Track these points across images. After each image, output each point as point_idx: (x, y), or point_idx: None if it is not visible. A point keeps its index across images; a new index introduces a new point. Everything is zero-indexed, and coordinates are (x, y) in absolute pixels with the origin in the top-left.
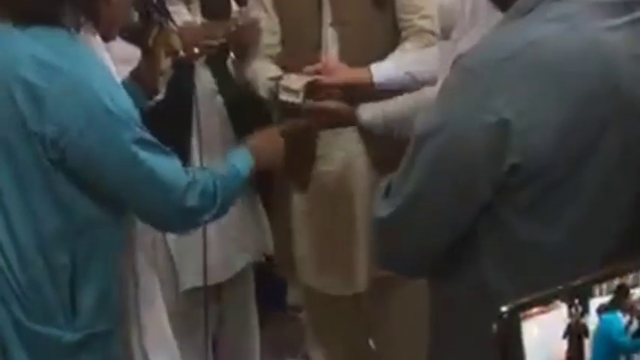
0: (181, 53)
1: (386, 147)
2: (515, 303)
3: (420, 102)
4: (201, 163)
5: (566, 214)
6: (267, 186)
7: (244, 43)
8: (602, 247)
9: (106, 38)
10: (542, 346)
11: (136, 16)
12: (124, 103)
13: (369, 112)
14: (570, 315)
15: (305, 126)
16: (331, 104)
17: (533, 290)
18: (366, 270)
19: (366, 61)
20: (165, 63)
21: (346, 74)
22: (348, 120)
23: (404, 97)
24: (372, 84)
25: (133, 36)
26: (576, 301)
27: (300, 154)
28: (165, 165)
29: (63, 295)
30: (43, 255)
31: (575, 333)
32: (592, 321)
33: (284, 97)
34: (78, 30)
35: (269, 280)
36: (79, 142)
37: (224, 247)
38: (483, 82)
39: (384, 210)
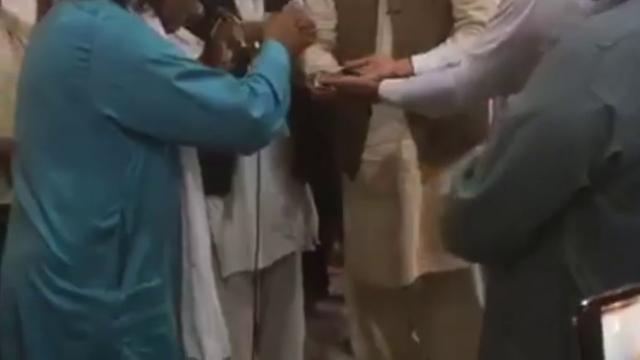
0: (243, 45)
1: (434, 137)
2: (596, 296)
3: (442, 85)
4: (259, 160)
5: None
6: (317, 175)
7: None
8: None
9: (169, 27)
10: (623, 342)
11: (200, 8)
12: (164, 47)
13: (389, 88)
14: None
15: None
16: (352, 78)
17: (617, 281)
18: (414, 263)
19: (420, 50)
20: (227, 55)
21: (385, 69)
22: (369, 95)
23: (427, 77)
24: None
25: (196, 27)
26: None
27: (350, 142)
28: (218, 87)
29: (111, 256)
30: (91, 217)
31: None
32: None
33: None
34: (138, 11)
35: (314, 269)
36: (126, 95)
37: (268, 234)
38: (585, 68)
39: (469, 191)
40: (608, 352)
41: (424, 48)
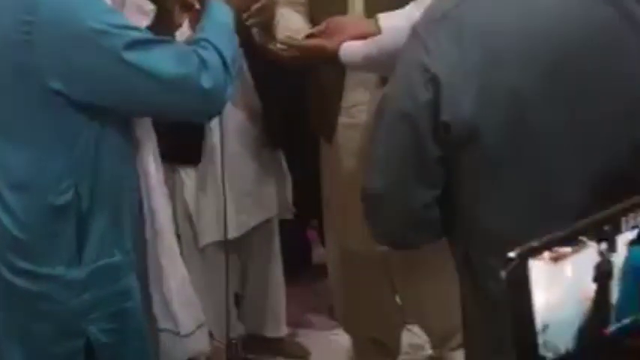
0: (197, 7)
1: None
2: (524, 247)
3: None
4: (221, 128)
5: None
6: (291, 142)
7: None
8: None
9: None
10: (575, 286)
11: None
12: (109, 16)
13: (349, 50)
14: (599, 254)
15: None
16: (310, 42)
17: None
18: None
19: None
20: (181, 19)
21: (351, 32)
22: (330, 57)
23: (386, 39)
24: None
25: None
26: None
27: (325, 105)
28: (166, 57)
29: (69, 233)
30: (46, 195)
31: (601, 273)
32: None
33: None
34: None
35: (294, 238)
36: (73, 68)
37: (240, 201)
38: (421, 42)
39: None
40: (561, 298)
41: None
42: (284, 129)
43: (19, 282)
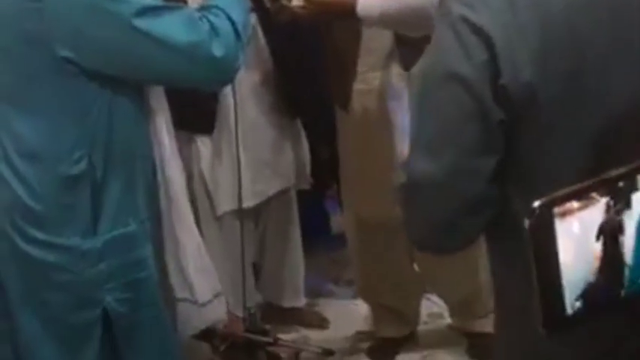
0: None
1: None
2: (547, 197)
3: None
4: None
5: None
6: (308, 111)
7: None
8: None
9: None
10: (582, 243)
11: None
12: None
13: (367, 4)
14: (606, 211)
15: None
16: None
17: None
18: None
19: None
20: None
21: None
22: (347, 12)
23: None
24: None
25: None
26: (609, 197)
27: (341, 71)
28: (177, 24)
29: (84, 203)
30: (59, 165)
31: (609, 231)
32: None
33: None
34: None
35: (313, 207)
36: (83, 36)
37: (257, 170)
38: (463, 1)
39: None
40: (568, 255)
41: None
42: (300, 97)
43: (35, 252)
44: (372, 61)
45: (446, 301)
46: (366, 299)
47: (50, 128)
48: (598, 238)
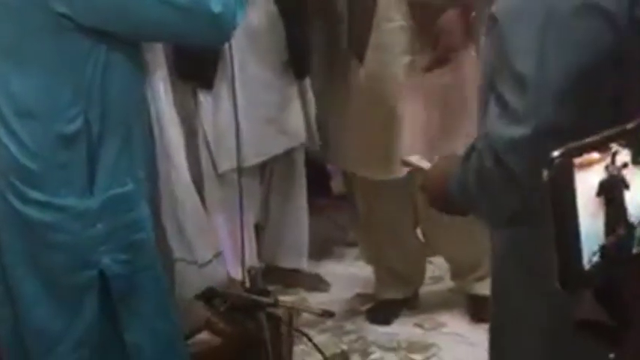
0: None
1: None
2: (566, 147)
3: None
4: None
5: None
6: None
7: None
8: None
9: None
10: (588, 199)
11: None
12: None
13: None
14: (611, 163)
15: None
16: None
17: None
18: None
19: None
20: None
21: None
22: None
23: None
24: None
25: None
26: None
27: (358, 22)
28: None
29: (79, 163)
30: (54, 123)
31: (609, 187)
32: None
33: None
34: None
35: (314, 168)
36: None
37: (261, 128)
38: None
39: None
40: (586, 208)
41: None
42: (307, 58)
43: (31, 212)
44: (389, 14)
45: (449, 262)
46: (369, 261)
47: (45, 86)
48: (599, 194)
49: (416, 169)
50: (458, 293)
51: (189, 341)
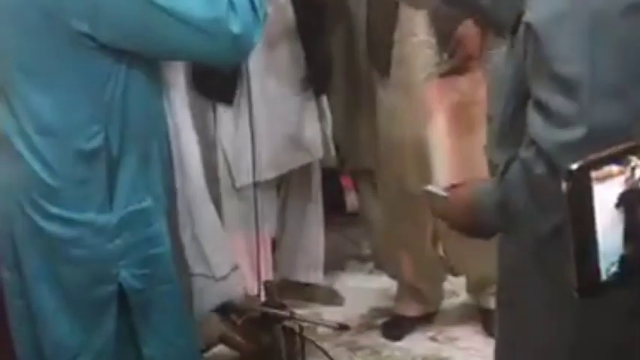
0: None
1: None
2: (584, 160)
3: None
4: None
5: None
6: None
7: None
8: None
9: None
10: (608, 211)
11: None
12: None
13: None
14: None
15: None
16: None
17: None
18: (441, 169)
19: None
20: None
21: None
22: None
23: None
24: None
25: None
26: (634, 162)
27: (380, 37)
28: (195, 0)
29: (99, 179)
30: (75, 140)
31: (629, 200)
32: None
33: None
34: None
35: (329, 184)
36: (100, 10)
37: (279, 143)
38: None
39: (564, 133)
40: (609, 219)
41: None
42: (326, 74)
43: (51, 228)
44: (410, 28)
45: (467, 278)
46: (392, 276)
47: (66, 103)
48: (618, 207)
49: (436, 199)
50: (472, 308)
51: (206, 355)
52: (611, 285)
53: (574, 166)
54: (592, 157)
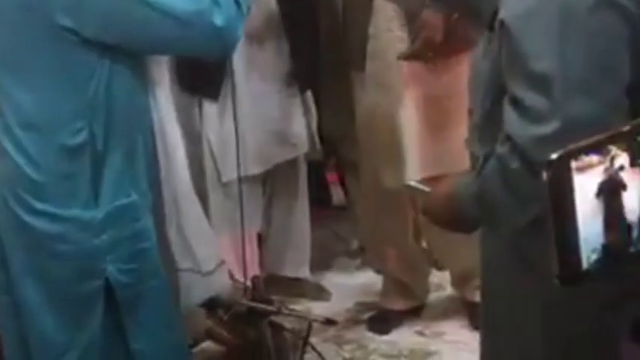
0: None
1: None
2: (564, 149)
3: None
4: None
5: None
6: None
7: None
8: None
9: None
10: (588, 200)
11: None
12: None
13: None
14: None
15: None
16: None
17: None
18: (415, 162)
19: None
20: None
21: None
22: None
23: None
24: None
25: None
26: (614, 152)
27: (354, 32)
28: None
29: (84, 174)
30: (59, 135)
31: (608, 188)
32: None
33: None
34: None
35: (314, 179)
36: (83, 4)
37: (264, 138)
38: None
39: (539, 127)
40: (591, 209)
41: None
42: (312, 70)
43: (36, 223)
44: (384, 23)
45: (451, 271)
46: (378, 271)
47: (49, 98)
48: (598, 196)
49: (418, 194)
50: (458, 301)
51: (193, 350)
52: (592, 274)
53: (554, 156)
54: (572, 146)
